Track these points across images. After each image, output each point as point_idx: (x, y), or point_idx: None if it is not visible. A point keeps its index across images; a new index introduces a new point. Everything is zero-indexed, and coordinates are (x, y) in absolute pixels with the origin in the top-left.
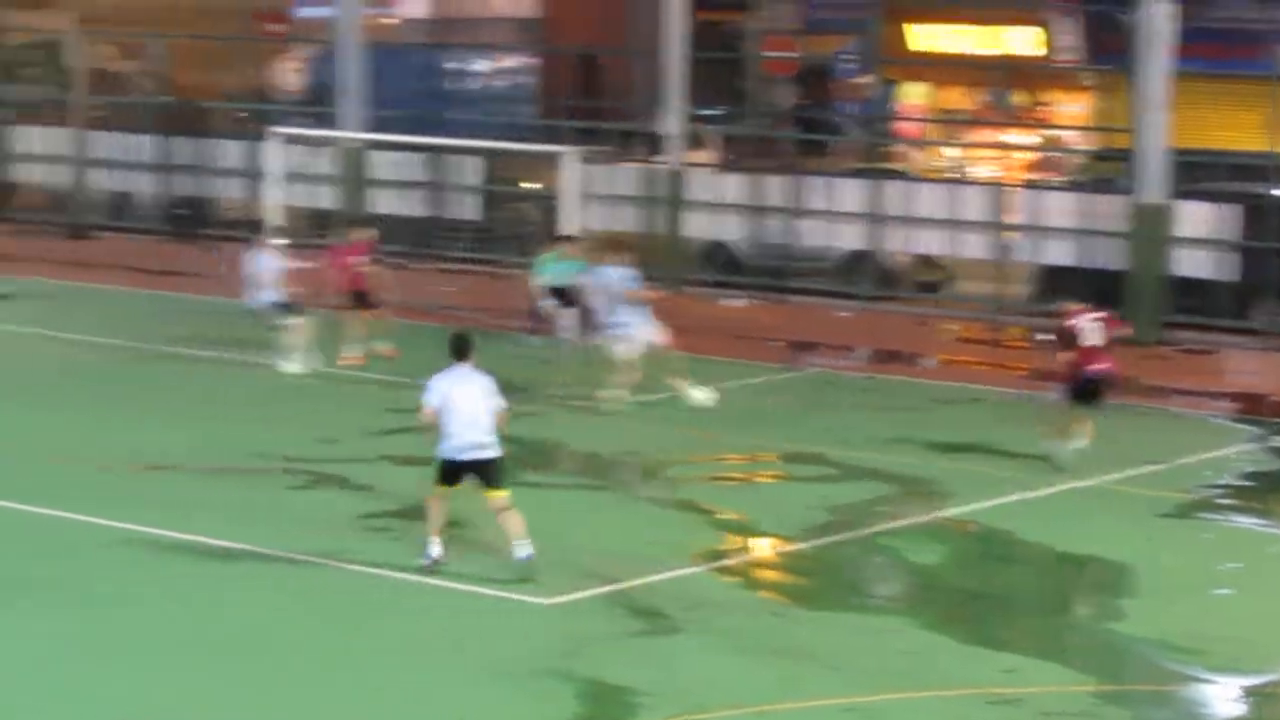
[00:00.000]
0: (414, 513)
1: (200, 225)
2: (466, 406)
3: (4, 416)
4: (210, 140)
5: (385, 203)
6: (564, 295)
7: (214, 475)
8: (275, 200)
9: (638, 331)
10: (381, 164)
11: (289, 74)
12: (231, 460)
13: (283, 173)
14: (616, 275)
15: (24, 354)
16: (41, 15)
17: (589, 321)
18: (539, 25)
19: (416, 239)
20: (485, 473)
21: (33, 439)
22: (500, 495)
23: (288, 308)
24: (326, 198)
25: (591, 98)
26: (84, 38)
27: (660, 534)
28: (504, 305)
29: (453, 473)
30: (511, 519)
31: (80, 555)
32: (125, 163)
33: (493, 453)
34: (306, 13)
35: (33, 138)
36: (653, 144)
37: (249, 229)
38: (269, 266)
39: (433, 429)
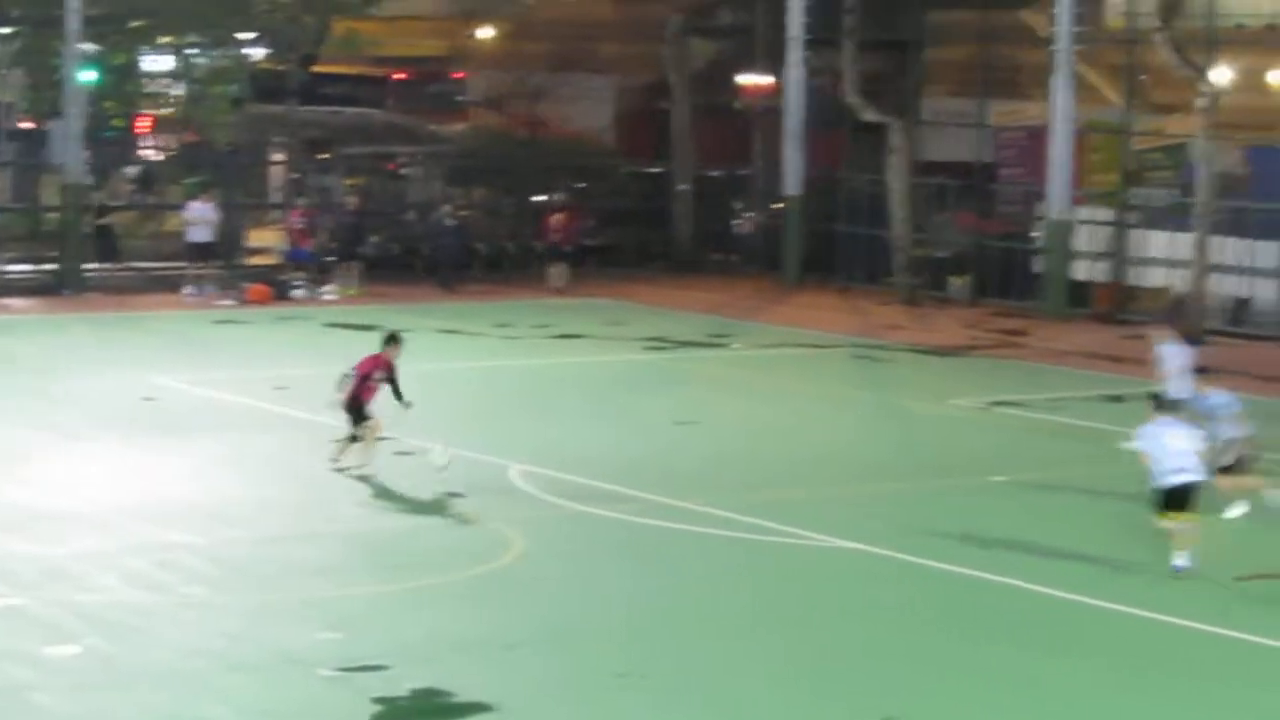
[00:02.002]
0: None
1: None
2: (1172, 444)
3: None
4: None
5: None
6: None
7: None
8: None
9: None
10: None
11: None
12: None
13: None
14: None
15: None
16: (1172, 119)
17: None
18: None
19: None
20: (1184, 494)
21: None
22: (1187, 517)
23: None
24: None
25: None
26: (1213, 141)
27: None
28: None
29: (1171, 498)
30: (1187, 535)
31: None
32: (1246, 268)
33: (1192, 476)
34: None
35: (1155, 241)
36: None
37: None
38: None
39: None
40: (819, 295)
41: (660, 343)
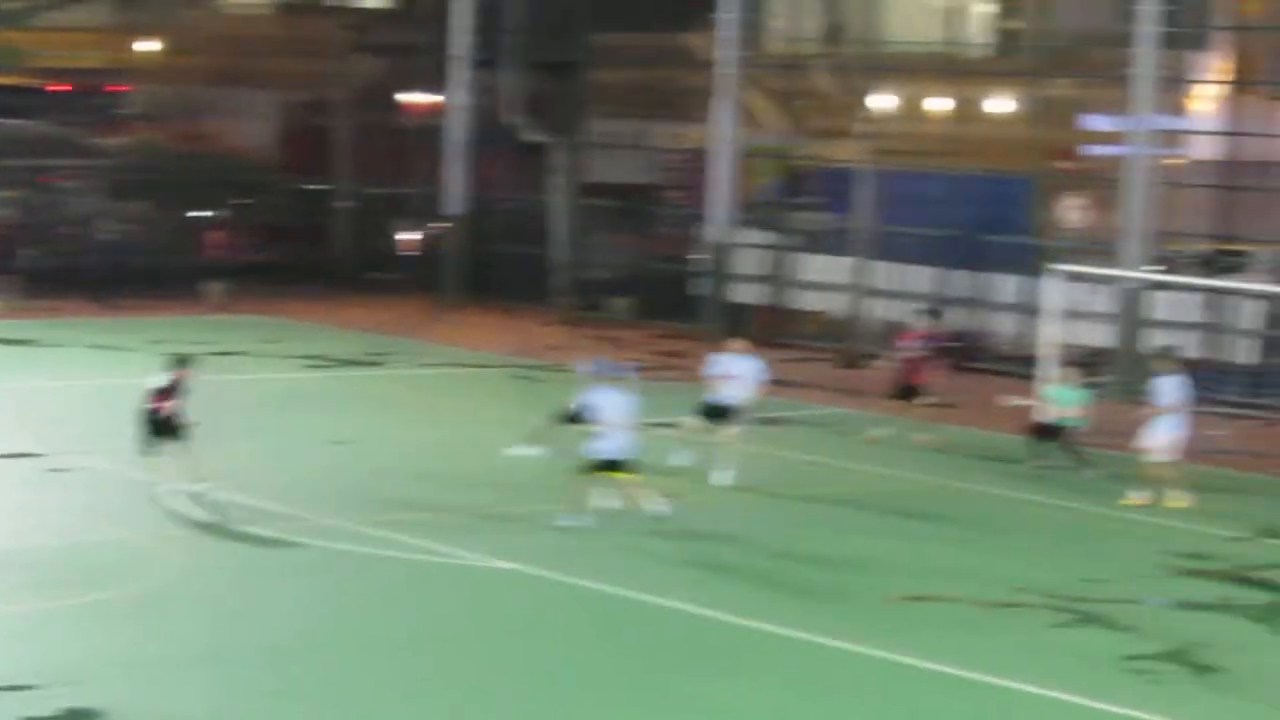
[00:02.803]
0: (1179, 657)
1: (973, 359)
2: (614, 417)
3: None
4: (988, 274)
5: (1164, 342)
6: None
7: (976, 607)
8: (1051, 337)
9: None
10: (1161, 303)
11: (1071, 211)
12: (995, 594)
13: (1061, 310)
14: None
15: (800, 476)
16: (833, 144)
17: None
18: None
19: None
20: (620, 465)
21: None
22: (629, 477)
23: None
24: (1103, 336)
25: None
26: (873, 168)
27: None
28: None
29: (602, 466)
30: (639, 492)
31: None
32: (900, 293)
33: (629, 452)
34: (1096, 151)
35: (814, 265)
36: None
37: (1023, 365)
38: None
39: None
40: (480, 315)
41: (320, 361)
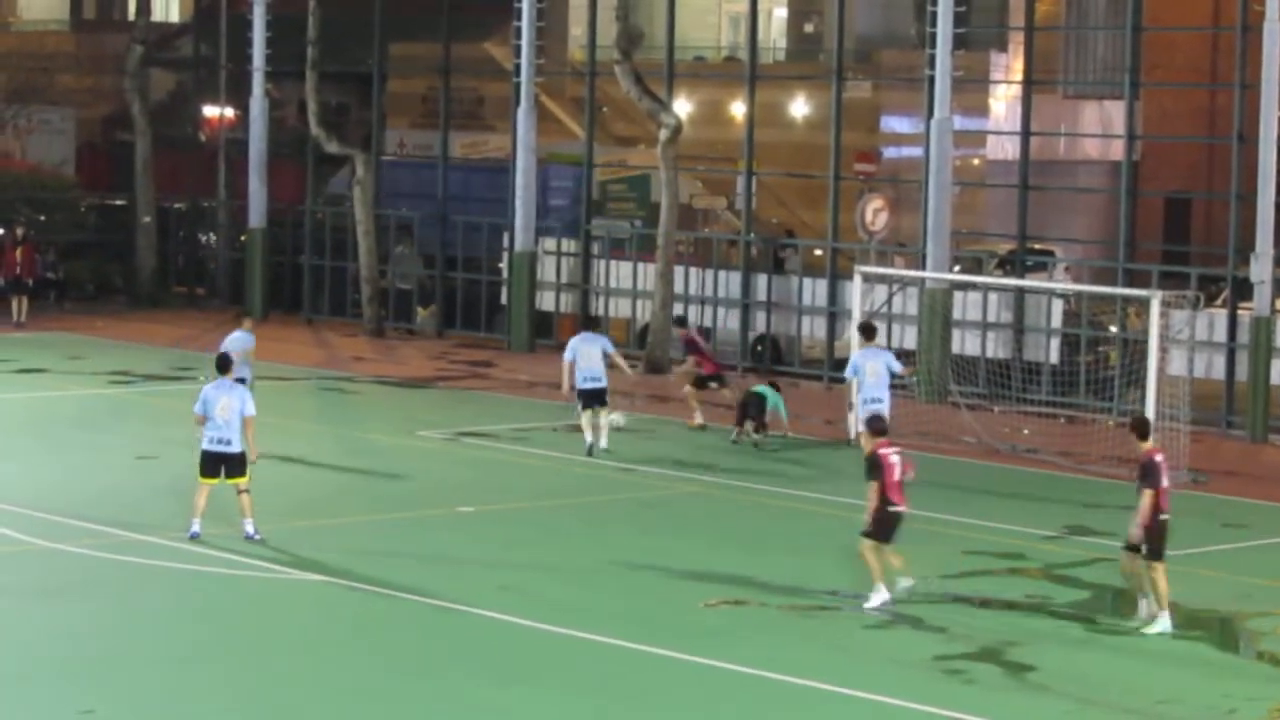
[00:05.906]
0: (992, 656)
1: (780, 362)
2: (222, 412)
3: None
4: (793, 277)
5: (968, 343)
6: None
7: (786, 612)
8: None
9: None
10: (965, 304)
11: (874, 213)
12: (805, 597)
13: (865, 311)
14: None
15: (608, 483)
16: (634, 151)
17: None
18: (1131, 168)
19: (997, 380)
20: (230, 464)
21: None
22: (240, 481)
23: None
24: (909, 337)
25: (1179, 242)
26: (674, 173)
27: (1237, 686)
28: (1084, 450)
29: (210, 465)
30: (247, 500)
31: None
32: (708, 298)
33: (237, 449)
34: (895, 153)
35: (621, 272)
36: (1241, 290)
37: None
38: None
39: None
40: (285, 328)
41: (124, 377)
